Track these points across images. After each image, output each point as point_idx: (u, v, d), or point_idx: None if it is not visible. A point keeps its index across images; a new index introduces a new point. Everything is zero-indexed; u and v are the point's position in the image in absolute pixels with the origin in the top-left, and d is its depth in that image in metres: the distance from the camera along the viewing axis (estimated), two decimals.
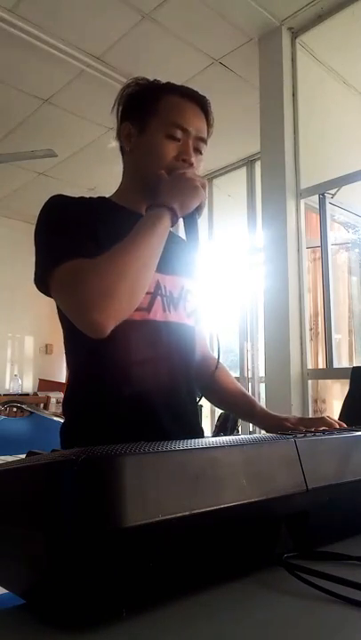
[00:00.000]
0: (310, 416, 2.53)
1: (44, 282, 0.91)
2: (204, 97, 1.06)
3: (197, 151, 1.04)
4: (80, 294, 0.82)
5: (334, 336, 2.77)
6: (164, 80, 1.12)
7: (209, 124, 1.08)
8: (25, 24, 2.84)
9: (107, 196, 1.12)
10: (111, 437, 0.59)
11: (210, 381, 1.17)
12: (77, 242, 0.89)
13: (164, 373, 1.01)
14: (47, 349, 6.17)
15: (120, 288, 0.82)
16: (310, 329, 2.88)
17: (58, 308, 0.96)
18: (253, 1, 2.68)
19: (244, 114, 3.41)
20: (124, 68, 3.23)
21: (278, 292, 2.73)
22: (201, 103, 1.05)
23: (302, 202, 2.81)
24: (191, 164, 1.01)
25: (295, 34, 2.88)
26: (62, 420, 1.08)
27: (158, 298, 1.01)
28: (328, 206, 2.83)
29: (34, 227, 0.99)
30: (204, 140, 1.05)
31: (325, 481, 0.60)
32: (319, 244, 2.83)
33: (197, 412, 1.12)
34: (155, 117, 1.02)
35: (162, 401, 0.99)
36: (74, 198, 1.03)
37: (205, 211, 4.36)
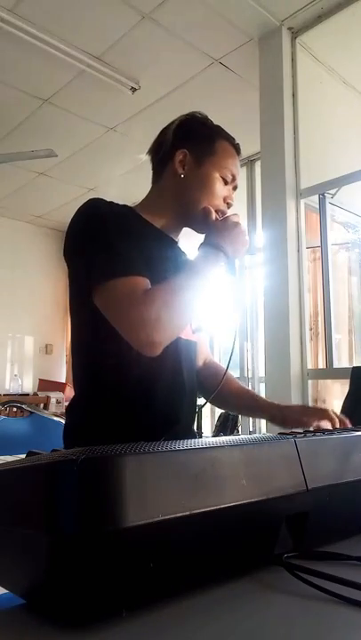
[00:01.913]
0: None
1: (87, 288, 0.95)
2: (240, 149, 1.17)
3: (232, 200, 1.14)
4: (144, 316, 0.88)
5: (334, 336, 2.76)
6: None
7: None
8: (25, 24, 2.84)
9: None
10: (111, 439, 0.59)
11: (210, 385, 1.21)
12: (131, 256, 0.94)
13: (171, 384, 1.04)
14: (47, 349, 6.17)
15: (176, 322, 0.91)
16: (310, 329, 2.88)
17: (77, 317, 1.02)
18: (253, 1, 2.68)
19: (244, 114, 3.40)
20: (124, 68, 3.23)
21: (278, 292, 2.73)
22: (240, 154, 1.16)
23: (302, 202, 2.81)
24: (230, 208, 1.12)
25: (295, 34, 2.88)
26: (62, 421, 1.09)
27: None
28: (328, 206, 2.83)
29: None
30: (236, 189, 1.15)
31: (325, 481, 0.60)
32: (319, 244, 2.83)
33: (194, 418, 1.15)
34: (212, 156, 1.10)
35: (163, 408, 1.03)
36: (111, 204, 1.06)
37: None
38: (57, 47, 3.00)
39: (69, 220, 1.02)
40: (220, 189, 1.10)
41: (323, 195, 2.82)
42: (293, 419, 1.04)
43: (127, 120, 3.75)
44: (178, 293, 0.92)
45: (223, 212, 1.10)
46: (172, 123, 1.14)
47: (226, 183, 1.11)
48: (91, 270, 0.94)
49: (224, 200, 1.11)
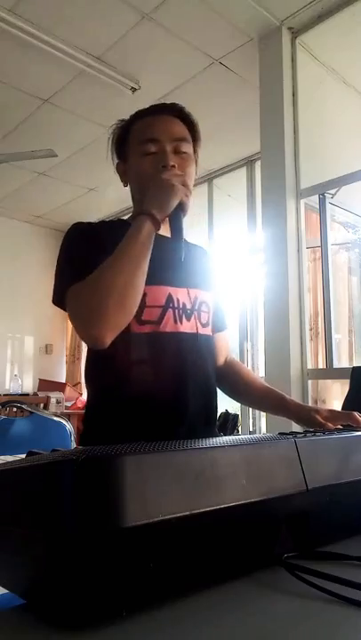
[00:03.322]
0: None
1: (64, 304, 1.00)
2: (173, 103, 1.12)
3: (179, 152, 1.07)
4: (78, 313, 0.92)
5: (334, 336, 2.77)
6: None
7: (189, 125, 1.12)
8: (25, 24, 2.84)
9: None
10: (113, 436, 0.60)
11: (236, 383, 1.25)
12: (90, 263, 0.95)
13: (171, 381, 1.05)
14: (47, 349, 6.17)
15: (108, 303, 0.89)
16: (310, 329, 2.88)
17: None
18: (253, 1, 2.68)
19: (244, 114, 3.41)
20: (124, 68, 3.23)
21: (278, 292, 2.73)
22: (170, 110, 1.11)
23: (302, 202, 2.81)
24: (173, 167, 1.04)
25: (295, 34, 2.88)
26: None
27: (170, 311, 1.05)
28: (328, 206, 2.83)
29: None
30: (183, 139, 1.08)
31: (325, 481, 0.60)
32: (319, 244, 2.83)
33: (212, 415, 1.15)
34: (129, 145, 1.10)
35: (167, 406, 1.04)
36: (93, 225, 1.10)
37: (205, 211, 4.35)
38: (57, 47, 3.00)
39: (69, 219, 1.06)
40: (145, 164, 1.05)
41: (323, 195, 2.82)
42: (320, 422, 1.03)
43: None
44: (103, 275, 0.90)
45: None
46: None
47: (152, 153, 1.05)
48: (58, 286, 1.01)
49: (157, 168, 1.04)
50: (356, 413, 1.01)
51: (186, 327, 1.08)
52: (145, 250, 0.93)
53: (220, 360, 1.26)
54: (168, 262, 1.03)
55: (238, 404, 3.68)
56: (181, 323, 1.07)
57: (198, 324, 1.11)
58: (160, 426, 1.01)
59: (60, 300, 1.00)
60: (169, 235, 1.09)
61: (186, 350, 1.06)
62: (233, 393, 1.26)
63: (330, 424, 1.01)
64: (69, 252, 1.03)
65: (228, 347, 1.30)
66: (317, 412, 1.06)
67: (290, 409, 1.13)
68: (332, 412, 1.06)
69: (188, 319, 1.09)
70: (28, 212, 5.71)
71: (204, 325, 1.13)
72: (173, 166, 1.04)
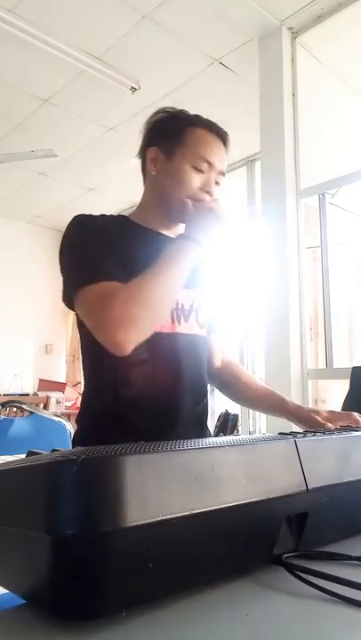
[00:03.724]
0: None
1: (69, 300, 1.00)
2: (226, 132, 1.13)
3: (217, 184, 1.10)
4: (107, 317, 0.91)
5: (334, 336, 2.77)
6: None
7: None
8: (25, 24, 2.84)
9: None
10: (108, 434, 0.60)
11: (235, 384, 1.24)
12: (101, 263, 0.97)
13: (166, 382, 1.05)
14: (47, 349, 6.17)
15: (144, 316, 0.92)
16: (310, 329, 2.88)
17: (79, 321, 1.04)
18: (253, 1, 2.68)
19: (244, 114, 3.40)
20: (124, 68, 3.22)
21: (278, 292, 2.73)
22: (223, 138, 1.12)
23: (302, 202, 2.81)
24: (212, 196, 1.08)
25: (295, 34, 2.88)
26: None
27: None
28: (328, 206, 2.83)
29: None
30: (223, 174, 1.11)
31: (325, 481, 0.60)
32: (319, 244, 2.83)
33: (203, 416, 1.15)
34: (182, 147, 1.08)
35: (162, 407, 1.04)
36: (95, 217, 1.09)
37: None
38: (57, 47, 2.99)
39: (69, 220, 1.05)
40: (194, 180, 1.07)
41: (323, 195, 2.82)
42: (320, 423, 1.04)
43: (127, 120, 3.75)
44: (141, 288, 0.92)
45: (202, 201, 1.07)
46: (145, 123, 1.15)
47: (201, 171, 1.07)
48: (66, 284, 1.01)
49: (202, 189, 1.07)
50: (355, 414, 1.01)
51: (184, 328, 1.08)
52: (185, 273, 0.97)
53: (218, 361, 1.26)
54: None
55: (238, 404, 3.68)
56: (179, 323, 1.08)
57: (196, 325, 1.12)
58: (154, 426, 1.02)
59: (69, 297, 1.00)
60: (172, 235, 1.12)
61: (183, 351, 1.07)
62: (231, 394, 1.26)
63: (330, 424, 1.01)
64: (77, 250, 1.02)
65: (225, 347, 1.30)
66: (317, 414, 1.06)
67: (289, 410, 1.13)
68: (332, 413, 1.06)
69: (187, 320, 1.10)
70: (28, 212, 5.71)
71: (201, 326, 1.14)
72: (212, 196, 1.09)
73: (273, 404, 1.19)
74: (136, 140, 1.17)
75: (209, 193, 1.08)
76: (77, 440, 1.10)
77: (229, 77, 3.27)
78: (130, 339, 0.89)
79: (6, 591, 0.49)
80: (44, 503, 0.43)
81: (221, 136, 1.11)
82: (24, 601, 0.48)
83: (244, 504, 0.50)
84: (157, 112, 1.14)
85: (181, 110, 1.14)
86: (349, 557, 0.58)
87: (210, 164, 1.08)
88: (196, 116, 1.13)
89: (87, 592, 0.42)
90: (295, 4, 2.70)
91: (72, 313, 1.05)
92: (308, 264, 2.86)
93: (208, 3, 2.68)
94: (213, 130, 1.11)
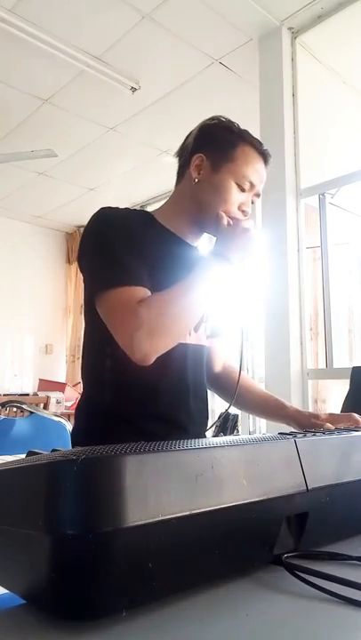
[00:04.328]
0: None
1: (92, 298, 0.99)
2: (270, 154, 1.13)
3: (253, 203, 1.12)
4: (135, 325, 0.89)
5: (334, 336, 2.76)
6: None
7: None
8: (25, 24, 2.84)
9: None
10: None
11: (234, 389, 1.23)
12: (130, 265, 0.96)
13: (172, 389, 1.05)
14: (47, 349, 6.17)
15: (173, 330, 0.93)
16: (310, 329, 2.88)
17: (89, 321, 1.04)
18: (253, 1, 2.68)
19: (244, 114, 3.40)
20: (124, 68, 3.22)
21: (278, 291, 2.73)
22: (266, 159, 1.12)
23: (302, 202, 2.81)
24: (246, 216, 1.09)
25: (295, 34, 2.88)
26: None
27: None
28: (328, 206, 2.83)
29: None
30: (259, 196, 1.12)
31: (325, 481, 0.60)
32: (319, 244, 2.83)
33: (205, 423, 1.16)
34: (231, 163, 1.07)
35: (165, 417, 1.05)
36: (121, 212, 1.07)
37: None
38: (57, 47, 2.99)
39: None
40: (235, 196, 1.07)
41: (323, 195, 2.82)
42: (320, 425, 1.03)
43: (127, 120, 3.75)
44: (173, 302, 0.92)
45: (237, 220, 1.07)
46: (197, 126, 1.14)
47: (243, 190, 1.08)
48: (92, 280, 1.00)
49: (239, 207, 1.08)
50: (355, 415, 1.01)
51: (193, 339, 1.09)
52: (213, 294, 0.99)
53: (218, 366, 1.26)
54: (181, 269, 1.04)
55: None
56: (190, 334, 1.08)
57: (203, 336, 1.13)
58: (157, 431, 1.02)
59: (92, 296, 0.99)
60: (194, 243, 1.14)
61: (190, 362, 1.08)
62: (231, 399, 1.25)
63: (330, 425, 1.01)
64: (104, 248, 1.00)
65: (226, 352, 1.30)
66: (317, 418, 1.06)
67: (289, 415, 1.14)
68: (332, 415, 1.06)
69: (196, 331, 1.11)
70: (28, 212, 5.70)
71: (207, 337, 1.15)
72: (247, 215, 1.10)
73: (272, 409, 1.19)
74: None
75: (245, 213, 1.09)
76: (77, 438, 1.09)
77: (229, 77, 3.27)
78: (156, 350, 0.90)
79: (6, 591, 0.49)
80: (44, 503, 0.43)
81: (265, 157, 1.12)
82: (24, 601, 0.48)
83: (244, 504, 0.50)
84: (211, 118, 1.13)
85: (233, 122, 1.13)
86: (349, 557, 0.58)
87: (252, 184, 1.08)
88: (245, 132, 1.12)
89: (87, 592, 0.42)
90: (295, 4, 2.70)
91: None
92: (308, 264, 2.86)
93: (208, 3, 2.68)
94: (260, 150, 1.11)
